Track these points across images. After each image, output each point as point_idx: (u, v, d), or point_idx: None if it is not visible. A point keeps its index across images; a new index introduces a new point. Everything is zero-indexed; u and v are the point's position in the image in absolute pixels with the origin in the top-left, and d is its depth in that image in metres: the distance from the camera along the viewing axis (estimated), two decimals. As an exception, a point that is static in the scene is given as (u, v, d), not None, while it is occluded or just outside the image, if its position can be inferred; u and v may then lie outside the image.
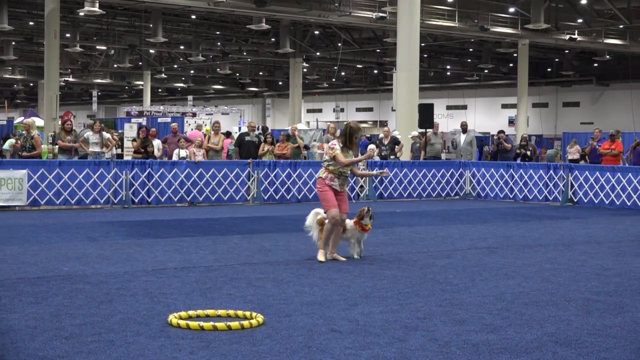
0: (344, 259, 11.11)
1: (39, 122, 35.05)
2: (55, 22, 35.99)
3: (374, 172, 11.45)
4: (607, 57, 54.04)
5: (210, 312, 7.53)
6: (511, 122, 60.47)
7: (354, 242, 11.40)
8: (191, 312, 7.41)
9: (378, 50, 57.03)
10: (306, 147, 29.15)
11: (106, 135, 21.72)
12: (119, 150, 28.16)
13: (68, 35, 50.56)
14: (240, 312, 7.46)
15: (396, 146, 24.54)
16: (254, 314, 7.33)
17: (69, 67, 65.70)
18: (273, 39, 55.38)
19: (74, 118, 30.29)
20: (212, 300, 8.24)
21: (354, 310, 7.79)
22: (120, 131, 32.13)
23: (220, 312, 7.53)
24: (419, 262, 11.07)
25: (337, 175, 11.13)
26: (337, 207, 11.05)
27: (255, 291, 8.72)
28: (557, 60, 62.17)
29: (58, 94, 35.91)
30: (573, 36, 44.92)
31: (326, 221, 11.11)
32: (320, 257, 11.03)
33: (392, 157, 24.29)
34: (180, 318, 7.18)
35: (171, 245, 12.42)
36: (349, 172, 11.34)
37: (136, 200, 19.73)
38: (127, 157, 26.51)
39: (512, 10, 43.56)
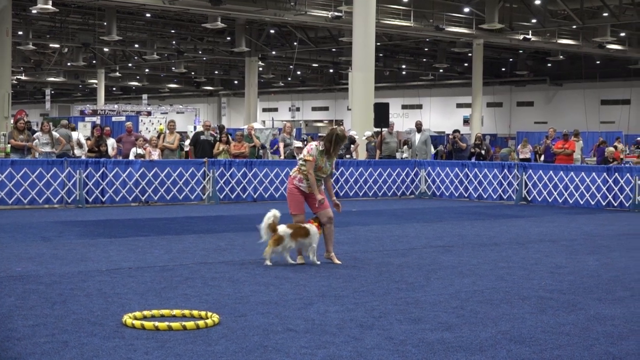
0: (339, 261, 10.78)
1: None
2: (7, 20, 35.51)
3: (320, 197, 10.81)
4: (561, 57, 54.69)
5: (165, 312, 7.48)
6: (466, 121, 60.97)
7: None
8: (146, 312, 7.35)
9: (334, 50, 57.17)
10: (263, 147, 29.08)
11: (56, 134, 21.44)
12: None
13: (20, 33, 49.99)
14: (195, 312, 7.42)
15: (352, 145, 24.61)
16: (209, 313, 7.30)
17: (22, 65, 64.99)
18: (228, 38, 55.26)
19: (26, 117, 29.96)
20: (167, 300, 8.19)
21: (309, 309, 7.79)
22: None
23: (176, 312, 7.48)
24: (375, 261, 11.08)
25: (306, 178, 10.72)
26: (301, 214, 10.78)
27: (210, 291, 8.68)
28: (511, 60, 62.80)
29: (10, 92, 35.45)
30: (527, 36, 45.39)
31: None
32: (298, 260, 10.73)
33: (347, 156, 24.34)
34: (135, 318, 7.12)
35: (126, 245, 12.32)
36: (323, 176, 10.86)
37: (90, 200, 19.54)
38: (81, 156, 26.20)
39: (466, 10, 43.88)
